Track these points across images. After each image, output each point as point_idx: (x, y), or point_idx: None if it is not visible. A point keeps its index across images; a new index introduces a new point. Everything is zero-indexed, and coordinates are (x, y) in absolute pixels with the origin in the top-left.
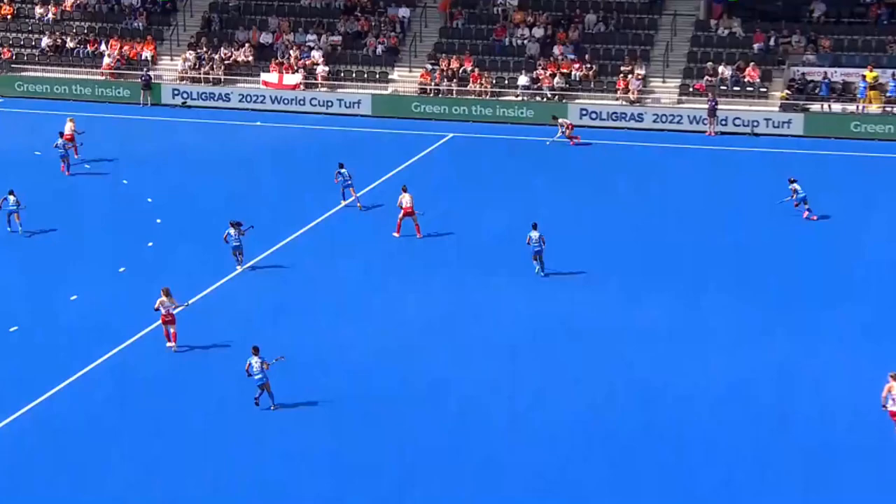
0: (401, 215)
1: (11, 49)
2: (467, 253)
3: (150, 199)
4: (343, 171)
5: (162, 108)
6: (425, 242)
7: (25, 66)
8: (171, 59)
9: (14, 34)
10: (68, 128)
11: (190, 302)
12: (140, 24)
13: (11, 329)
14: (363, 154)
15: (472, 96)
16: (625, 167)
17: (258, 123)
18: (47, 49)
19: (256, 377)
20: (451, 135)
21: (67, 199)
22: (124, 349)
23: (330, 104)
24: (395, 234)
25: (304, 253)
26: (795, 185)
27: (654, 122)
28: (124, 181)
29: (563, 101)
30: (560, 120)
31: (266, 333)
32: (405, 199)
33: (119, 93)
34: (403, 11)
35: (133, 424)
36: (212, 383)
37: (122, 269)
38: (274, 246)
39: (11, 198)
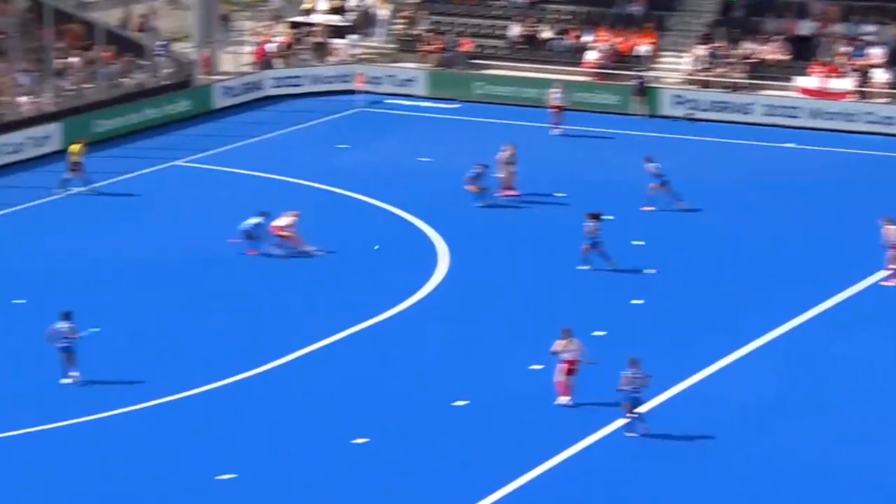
0: None
1: (473, 40)
2: None
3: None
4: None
5: (659, 119)
6: None
7: (488, 62)
8: (676, 57)
9: (477, 21)
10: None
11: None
12: (638, 9)
13: None
14: None
15: None
16: None
17: (790, 145)
18: (516, 41)
19: None
20: None
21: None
22: None
23: (892, 121)
24: None
25: (827, 327)
26: None
27: None
28: (606, 217)
29: None
30: None
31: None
32: None
33: (604, 99)
34: None
35: None
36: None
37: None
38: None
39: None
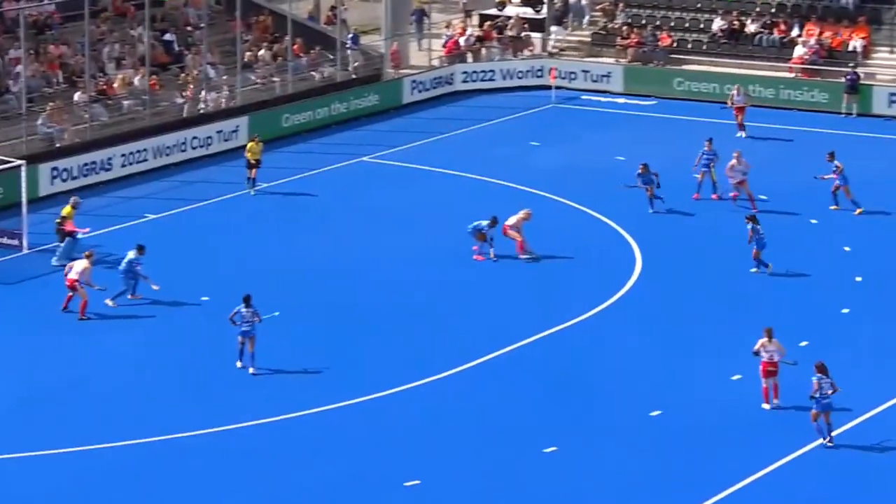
0: None
1: (672, 34)
2: None
3: (846, 249)
4: None
5: (871, 119)
6: None
7: (689, 57)
8: (891, 52)
9: (677, 14)
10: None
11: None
12: (850, 1)
13: None
14: None
15: None
16: None
17: None
18: (719, 34)
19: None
20: None
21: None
22: None
23: None
24: None
25: None
26: None
27: None
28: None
29: None
30: None
31: None
32: None
33: (812, 96)
34: None
35: None
36: None
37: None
38: None
39: None
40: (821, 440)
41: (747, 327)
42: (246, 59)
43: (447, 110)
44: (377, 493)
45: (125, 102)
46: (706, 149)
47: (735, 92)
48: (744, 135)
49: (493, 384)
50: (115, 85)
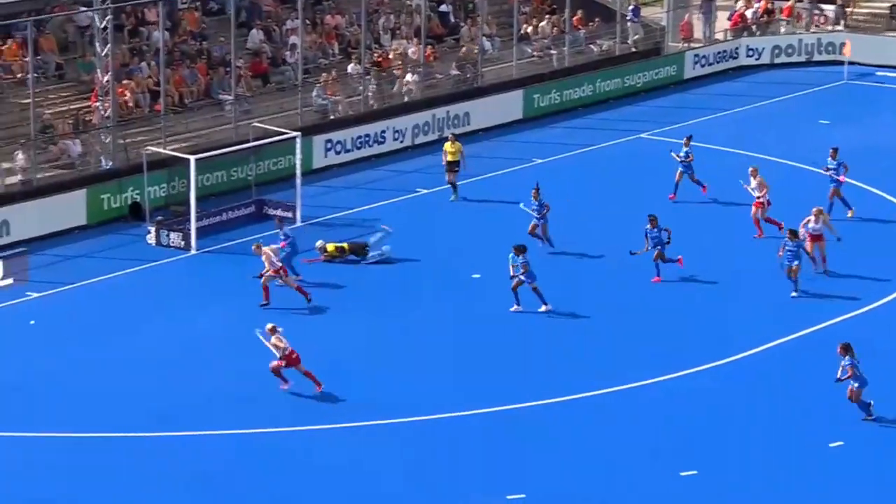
0: None
1: None
2: None
3: None
4: None
5: None
6: None
7: None
8: None
9: None
10: None
11: None
12: None
13: None
14: None
15: None
16: None
17: None
18: None
19: None
20: None
21: None
22: None
23: None
24: None
25: None
26: None
27: None
28: None
29: None
30: None
31: None
32: None
33: None
34: None
35: None
36: None
37: None
38: None
39: None
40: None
41: None
42: (523, 32)
43: (730, 86)
44: (654, 481)
45: (409, 77)
46: None
47: None
48: None
49: (782, 371)
50: (390, 56)
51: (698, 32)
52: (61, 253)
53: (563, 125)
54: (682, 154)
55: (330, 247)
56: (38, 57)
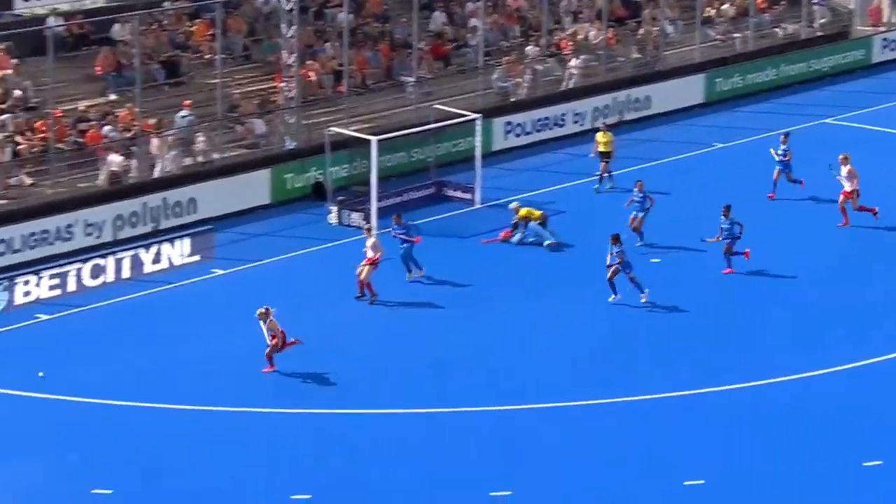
0: None
1: None
2: None
3: None
4: None
5: None
6: None
7: None
8: None
9: None
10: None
11: None
12: None
13: None
14: None
15: None
16: None
17: None
18: None
19: None
20: None
21: None
22: None
23: None
24: None
25: None
26: None
27: None
28: None
29: None
30: None
31: None
32: None
33: None
34: None
35: None
36: None
37: None
38: None
39: None
40: None
41: None
42: (706, 15)
43: None
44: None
45: (574, 62)
46: None
47: None
48: None
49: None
50: (574, 39)
51: (887, 17)
52: (245, 231)
53: (748, 109)
54: (780, 151)
55: (523, 211)
56: (226, 38)
